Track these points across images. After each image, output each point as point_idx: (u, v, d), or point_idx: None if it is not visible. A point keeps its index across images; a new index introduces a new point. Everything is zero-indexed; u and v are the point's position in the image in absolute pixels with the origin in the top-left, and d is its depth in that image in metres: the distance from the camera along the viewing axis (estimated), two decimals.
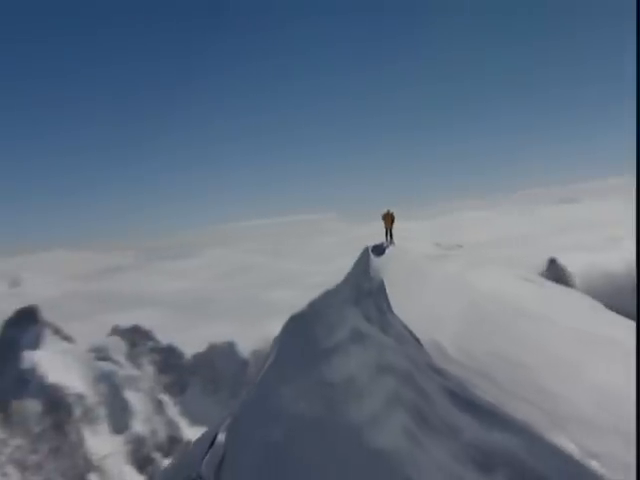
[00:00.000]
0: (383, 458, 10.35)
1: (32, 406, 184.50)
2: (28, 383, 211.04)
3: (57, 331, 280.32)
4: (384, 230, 19.87)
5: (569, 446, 9.19)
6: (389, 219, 19.91)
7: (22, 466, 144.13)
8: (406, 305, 13.56)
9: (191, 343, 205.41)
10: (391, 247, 18.91)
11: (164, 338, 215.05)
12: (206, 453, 14.79)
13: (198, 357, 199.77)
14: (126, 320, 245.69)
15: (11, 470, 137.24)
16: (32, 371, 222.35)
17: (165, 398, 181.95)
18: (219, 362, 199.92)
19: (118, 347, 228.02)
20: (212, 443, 15.05)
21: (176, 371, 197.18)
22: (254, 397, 14.52)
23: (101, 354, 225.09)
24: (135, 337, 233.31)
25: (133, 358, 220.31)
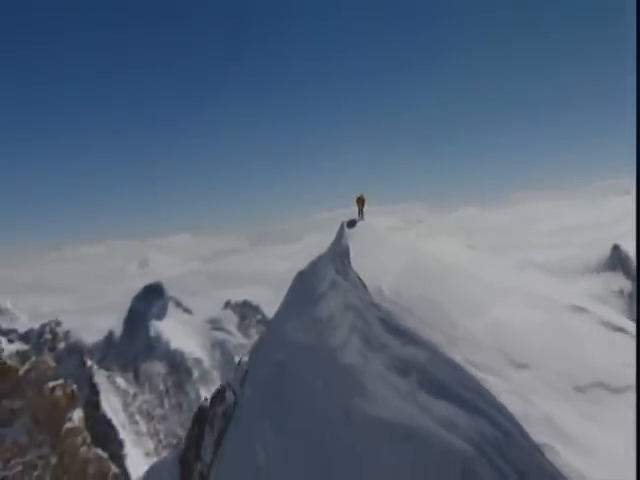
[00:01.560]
0: (348, 371, 13.15)
1: (158, 368, 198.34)
2: (154, 349, 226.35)
3: (179, 304, 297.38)
4: (357, 210, 22.98)
5: (458, 358, 11.53)
6: (361, 201, 23.13)
7: (149, 417, 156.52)
8: (362, 262, 16.37)
9: None
10: (361, 222, 22.00)
11: (270, 312, 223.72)
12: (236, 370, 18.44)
13: None
14: (238, 296, 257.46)
15: (140, 419, 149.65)
16: (158, 338, 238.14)
17: None
18: None
19: (230, 319, 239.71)
20: (239, 363, 18.61)
21: None
22: (268, 330, 17.79)
23: (216, 325, 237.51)
24: (245, 311, 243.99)
25: (243, 329, 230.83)
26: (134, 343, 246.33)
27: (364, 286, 15.15)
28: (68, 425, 61.84)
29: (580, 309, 13.99)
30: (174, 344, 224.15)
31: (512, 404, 10.38)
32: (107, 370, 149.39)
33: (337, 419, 12.88)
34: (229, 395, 18.39)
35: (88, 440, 64.78)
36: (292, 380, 14.90)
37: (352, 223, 21.90)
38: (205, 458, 18.25)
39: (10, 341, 69.03)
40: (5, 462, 59.67)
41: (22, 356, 66.86)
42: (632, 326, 14.63)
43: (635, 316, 14.29)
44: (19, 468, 59.93)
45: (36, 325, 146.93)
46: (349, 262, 16.85)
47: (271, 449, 14.09)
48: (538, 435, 10.00)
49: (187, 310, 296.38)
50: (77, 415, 64.19)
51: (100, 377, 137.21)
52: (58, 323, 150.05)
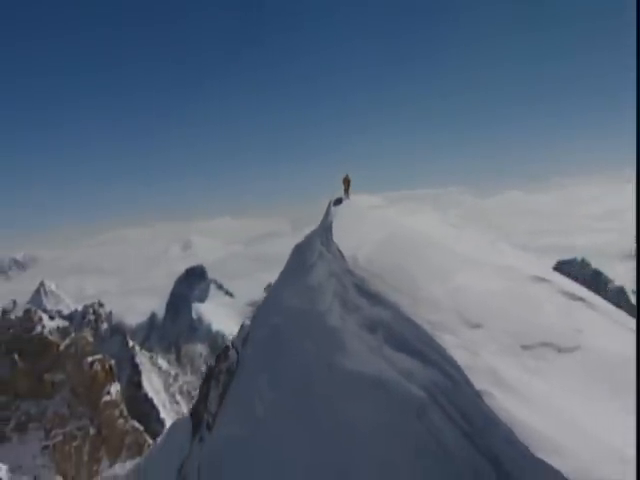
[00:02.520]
0: (332, 331, 14.94)
1: (199, 349, 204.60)
2: (196, 330, 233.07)
3: (220, 287, 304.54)
4: (343, 189, 25.55)
5: (418, 318, 13.14)
6: (346, 182, 25.49)
7: (190, 397, 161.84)
8: (343, 235, 18.21)
9: None
10: (346, 200, 24.08)
11: None
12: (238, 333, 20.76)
13: None
14: None
15: (181, 400, 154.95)
16: (199, 320, 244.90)
17: None
18: None
19: None
20: (242, 325, 20.89)
21: None
22: (268, 296, 19.83)
23: (257, 307, 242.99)
24: None
25: None
26: (176, 325, 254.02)
27: (342, 256, 17.05)
28: (106, 398, 65.94)
29: (542, 279, 15.28)
30: (215, 326, 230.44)
31: (460, 357, 11.96)
32: (149, 351, 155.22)
33: (321, 373, 14.72)
34: (232, 353, 20.69)
35: (125, 413, 68.84)
36: (286, 340, 16.80)
37: (338, 201, 24.16)
38: (211, 409, 20.68)
39: (51, 318, 73.70)
40: (47, 432, 64.28)
41: (62, 332, 71.41)
42: (594, 297, 16.02)
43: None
44: (60, 438, 64.35)
45: (80, 307, 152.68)
46: (331, 235, 18.94)
47: (267, 400, 16.06)
48: (480, 383, 11.57)
49: (228, 293, 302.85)
50: (114, 389, 68.18)
51: (142, 358, 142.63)
52: (101, 304, 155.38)
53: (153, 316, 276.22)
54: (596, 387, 12.57)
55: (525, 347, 12.55)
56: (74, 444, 63.40)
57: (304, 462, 14.00)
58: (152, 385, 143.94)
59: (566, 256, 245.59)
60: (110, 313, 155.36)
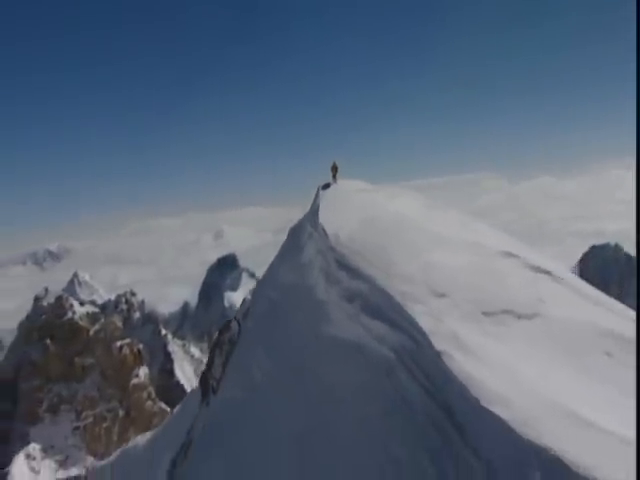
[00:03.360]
0: (319, 303, 16.60)
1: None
2: (228, 318, 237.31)
3: (252, 275, 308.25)
4: (331, 175, 27.63)
5: (391, 289, 14.66)
6: (334, 169, 27.52)
7: None
8: (328, 216, 19.87)
9: None
10: (334, 185, 25.96)
11: None
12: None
13: None
14: None
15: None
16: (232, 309, 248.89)
17: None
18: None
19: None
20: (244, 300, 22.88)
21: None
22: (266, 273, 21.72)
23: None
24: None
25: None
26: (209, 313, 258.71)
27: (326, 235, 18.67)
28: (135, 381, 68.92)
29: (510, 254, 16.59)
30: None
31: (425, 323, 13.46)
32: (182, 339, 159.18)
33: (310, 341, 16.38)
34: (234, 325, 22.80)
35: (153, 395, 71.80)
36: (281, 313, 18.54)
37: (326, 186, 26.24)
38: (215, 375, 22.84)
39: (81, 304, 77.12)
40: (78, 414, 67.65)
41: (92, 318, 74.65)
42: (562, 270, 17.36)
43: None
44: (90, 420, 67.54)
45: (113, 296, 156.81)
46: (317, 216, 20.80)
47: (264, 367, 17.84)
48: (441, 346, 13.07)
49: None
50: (143, 372, 71.12)
51: (174, 346, 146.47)
52: (133, 293, 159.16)
53: (186, 305, 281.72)
54: (551, 350, 14.01)
55: (486, 314, 14.05)
56: (104, 425, 66.61)
57: (294, 421, 15.76)
58: (184, 373, 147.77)
59: (599, 241, 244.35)
60: (142, 302, 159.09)
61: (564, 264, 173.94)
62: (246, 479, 15.94)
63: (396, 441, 13.06)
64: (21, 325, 74.51)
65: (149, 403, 70.64)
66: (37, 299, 73.54)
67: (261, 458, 15.85)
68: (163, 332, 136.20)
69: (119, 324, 74.38)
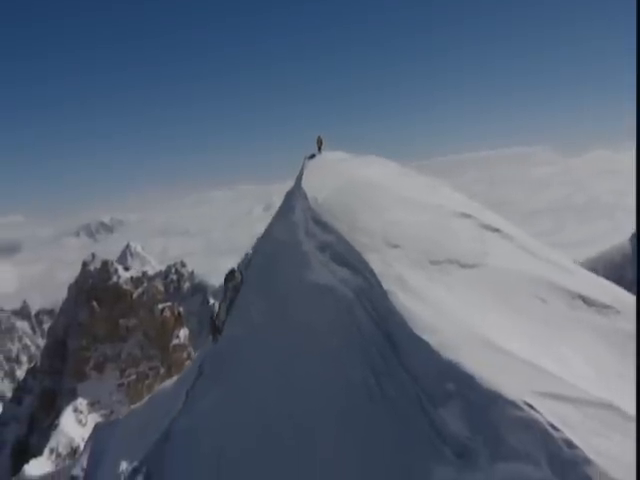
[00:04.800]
0: (303, 254, 19.65)
1: None
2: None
3: None
4: (317, 147, 30.52)
5: (353, 241, 17.74)
6: (319, 141, 30.52)
7: None
8: (309, 182, 22.59)
9: None
10: (318, 155, 28.99)
11: None
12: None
13: None
14: None
15: None
16: None
17: None
18: None
19: None
20: (247, 254, 26.77)
21: None
22: (265, 231, 25.12)
23: None
24: None
25: None
26: None
27: (306, 197, 21.66)
28: (175, 342, 73.74)
29: (466, 215, 19.32)
30: None
31: (377, 268, 16.26)
32: None
33: (295, 286, 19.21)
34: (237, 274, 26.65)
35: (192, 355, 76.54)
36: (274, 264, 21.35)
37: (312, 156, 29.34)
38: (221, 317, 26.74)
39: (126, 269, 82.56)
40: (122, 372, 73.13)
41: (136, 282, 79.87)
42: (516, 231, 20.04)
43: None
44: (133, 377, 72.80)
45: (164, 267, 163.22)
46: (300, 182, 23.91)
47: (260, 310, 20.90)
48: (388, 286, 16.05)
49: None
50: (183, 333, 75.91)
51: None
52: (183, 264, 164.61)
53: None
54: (486, 294, 16.78)
55: (433, 262, 16.95)
56: (146, 382, 71.81)
57: (279, 352, 19.02)
58: None
59: None
60: (192, 273, 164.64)
61: (615, 238, 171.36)
62: (241, 401, 19.44)
63: (352, 366, 16.12)
64: (70, 289, 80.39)
65: (188, 362, 75.36)
66: (85, 265, 79.10)
67: (253, 382, 19.33)
68: (211, 301, 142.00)
69: (161, 288, 79.49)
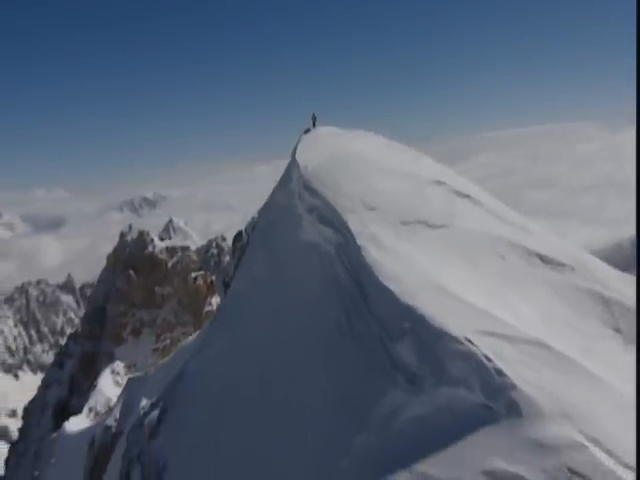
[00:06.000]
0: (297, 217, 22.52)
1: None
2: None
3: None
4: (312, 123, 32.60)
5: (336, 204, 20.29)
6: (314, 118, 32.64)
7: None
8: (304, 153, 24.62)
9: None
10: (313, 130, 31.02)
11: None
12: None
13: None
14: None
15: None
16: None
17: None
18: None
19: None
20: (252, 218, 29.89)
21: None
22: (269, 198, 27.88)
23: None
24: None
25: None
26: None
27: (299, 166, 23.99)
28: (207, 308, 77.03)
29: (440, 182, 21.74)
30: None
31: (355, 227, 18.40)
32: None
33: (291, 244, 21.70)
34: (245, 236, 29.86)
35: None
36: (275, 226, 23.88)
37: (307, 131, 31.50)
38: (230, 274, 29.90)
39: (161, 239, 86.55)
40: (157, 337, 77.19)
41: (170, 251, 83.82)
42: (487, 197, 22.33)
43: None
44: (167, 342, 76.69)
45: (205, 241, 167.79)
46: (295, 153, 26.26)
47: (262, 266, 23.42)
48: (362, 242, 18.47)
49: None
50: (215, 300, 79.30)
51: None
52: (224, 238, 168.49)
53: None
54: (449, 250, 19.11)
55: (403, 223, 19.33)
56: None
57: (275, 299, 21.88)
58: None
59: None
60: None
61: None
62: (242, 345, 22.36)
63: (329, 309, 18.69)
64: (109, 258, 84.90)
65: None
66: (122, 235, 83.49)
67: (252, 328, 22.20)
68: None
69: (194, 257, 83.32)
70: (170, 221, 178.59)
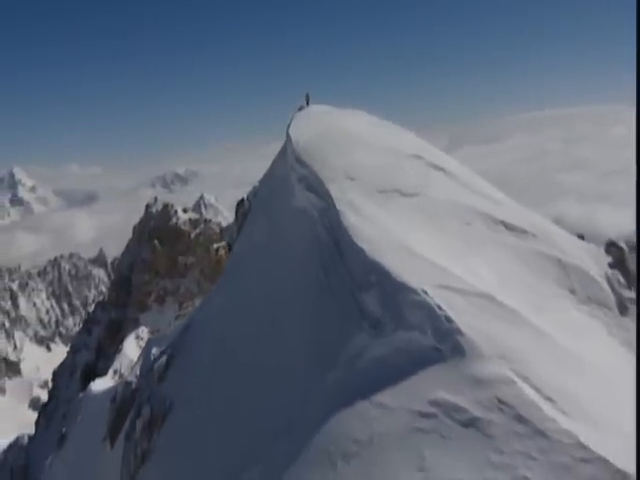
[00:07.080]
0: (291, 186, 24.99)
1: None
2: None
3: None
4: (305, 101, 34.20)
5: (321, 174, 22.49)
6: (307, 97, 34.16)
7: None
8: (296, 130, 26.15)
9: None
10: (306, 108, 32.61)
11: None
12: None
13: None
14: None
15: None
16: None
17: None
18: None
19: None
20: (253, 187, 32.42)
21: None
22: (268, 170, 30.38)
23: None
24: None
25: None
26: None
27: (291, 141, 25.95)
28: None
29: (418, 156, 23.92)
30: None
31: (335, 194, 20.48)
32: None
33: (285, 210, 23.95)
34: (246, 203, 32.35)
35: None
36: (273, 194, 26.40)
37: (301, 108, 33.21)
38: (233, 237, 32.70)
39: (184, 211, 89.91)
40: (180, 304, 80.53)
41: (194, 223, 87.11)
42: (461, 170, 24.47)
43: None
44: (190, 309, 79.93)
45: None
46: (289, 130, 28.07)
47: (261, 230, 25.58)
48: (341, 207, 20.60)
49: None
50: None
51: None
52: None
53: None
54: (419, 216, 21.40)
55: (380, 191, 21.61)
56: None
57: (269, 261, 24.34)
58: None
59: None
60: None
61: None
62: (238, 300, 25.07)
63: (310, 266, 21.02)
64: (134, 229, 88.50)
65: None
66: (147, 207, 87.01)
67: (248, 284, 24.87)
68: None
69: (216, 229, 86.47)
70: (201, 197, 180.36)
